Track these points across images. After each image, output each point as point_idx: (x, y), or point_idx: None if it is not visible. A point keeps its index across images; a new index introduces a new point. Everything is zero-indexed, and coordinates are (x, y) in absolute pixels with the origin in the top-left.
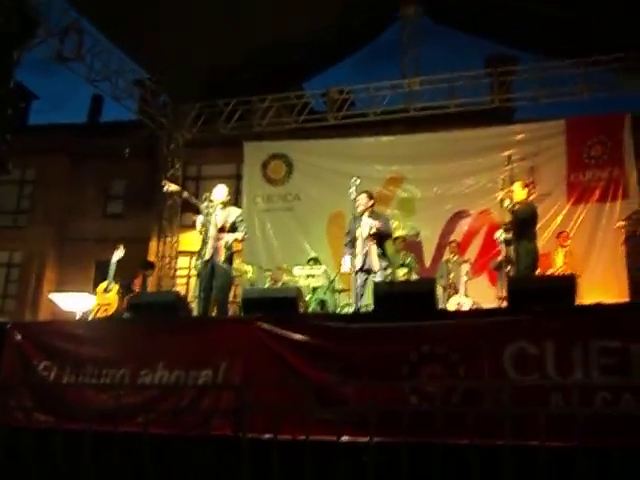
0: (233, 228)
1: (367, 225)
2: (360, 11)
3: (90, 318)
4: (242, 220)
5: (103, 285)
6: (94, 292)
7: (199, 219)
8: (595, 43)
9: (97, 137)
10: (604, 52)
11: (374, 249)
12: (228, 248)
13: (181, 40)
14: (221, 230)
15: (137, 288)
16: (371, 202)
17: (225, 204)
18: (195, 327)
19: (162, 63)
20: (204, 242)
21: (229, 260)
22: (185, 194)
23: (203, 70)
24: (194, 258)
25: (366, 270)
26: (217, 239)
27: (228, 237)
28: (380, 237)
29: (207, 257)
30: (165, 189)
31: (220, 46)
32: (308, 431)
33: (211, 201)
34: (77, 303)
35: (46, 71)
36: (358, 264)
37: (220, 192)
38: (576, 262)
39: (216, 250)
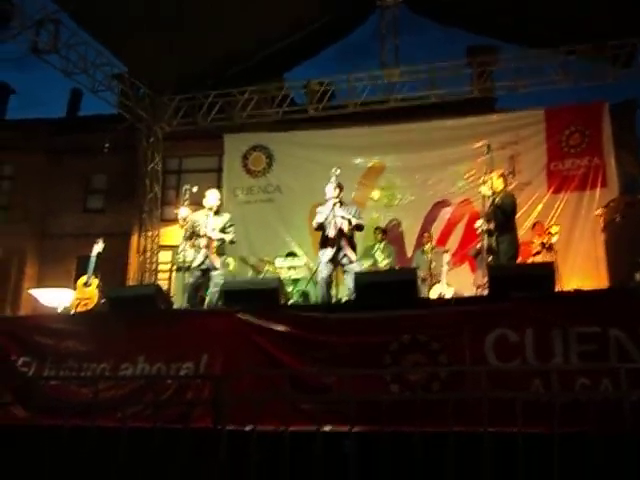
0: (223, 232)
1: (339, 217)
2: (340, 3)
3: (70, 313)
4: (231, 225)
5: (83, 279)
6: (75, 287)
7: (181, 212)
8: (574, 32)
9: (76, 132)
10: (583, 41)
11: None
12: (221, 252)
13: (159, 34)
14: (211, 237)
15: None
16: (337, 192)
17: (217, 210)
18: (176, 320)
19: (141, 56)
20: (196, 248)
21: (223, 264)
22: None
23: (183, 63)
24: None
25: (340, 262)
26: (208, 246)
27: (217, 235)
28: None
29: (197, 263)
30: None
31: (198, 41)
32: (288, 422)
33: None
34: (58, 298)
35: (23, 67)
36: (329, 255)
37: (212, 198)
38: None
39: (209, 256)
